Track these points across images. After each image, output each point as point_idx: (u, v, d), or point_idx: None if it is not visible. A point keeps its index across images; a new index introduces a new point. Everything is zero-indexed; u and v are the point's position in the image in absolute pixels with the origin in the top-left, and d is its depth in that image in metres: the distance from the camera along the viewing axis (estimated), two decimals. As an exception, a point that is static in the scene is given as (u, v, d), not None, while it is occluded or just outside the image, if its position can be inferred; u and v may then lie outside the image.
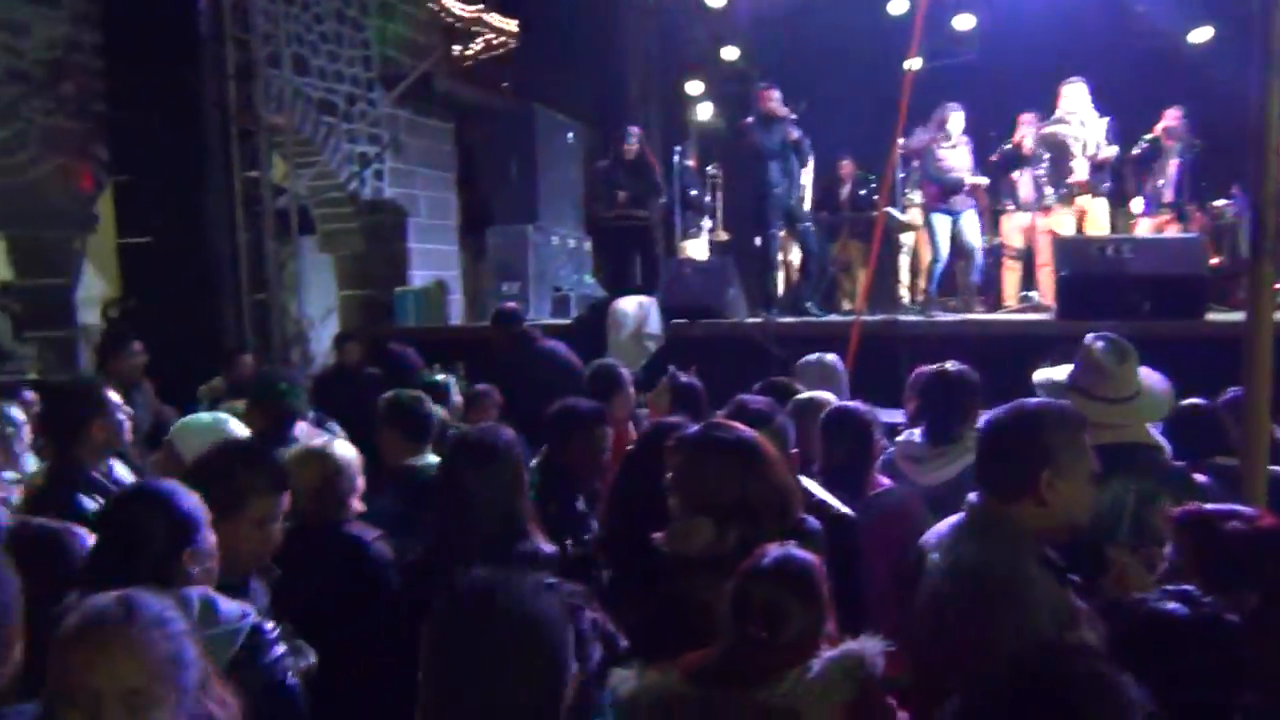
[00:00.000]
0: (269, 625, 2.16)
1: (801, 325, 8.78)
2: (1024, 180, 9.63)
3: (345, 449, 3.23)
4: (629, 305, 8.67)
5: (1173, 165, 9.58)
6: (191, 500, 2.24)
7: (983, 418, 2.65)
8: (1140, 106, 9.70)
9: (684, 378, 4.84)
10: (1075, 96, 8.96)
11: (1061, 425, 2.33)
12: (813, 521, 2.55)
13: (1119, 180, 9.65)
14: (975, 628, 2.19)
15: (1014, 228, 9.75)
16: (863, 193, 10.86)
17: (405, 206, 11.83)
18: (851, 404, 3.69)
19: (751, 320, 9.01)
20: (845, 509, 2.85)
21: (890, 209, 9.26)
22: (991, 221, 10.03)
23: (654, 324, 8.57)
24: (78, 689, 1.62)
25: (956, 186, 8.94)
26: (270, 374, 4.98)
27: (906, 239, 10.47)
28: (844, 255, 10.94)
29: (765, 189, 9.11)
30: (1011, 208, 9.78)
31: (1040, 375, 4.09)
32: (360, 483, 3.22)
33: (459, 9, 12.26)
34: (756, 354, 7.73)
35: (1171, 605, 1.84)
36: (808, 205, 10.05)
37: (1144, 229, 9.69)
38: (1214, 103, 8.55)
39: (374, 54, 11.67)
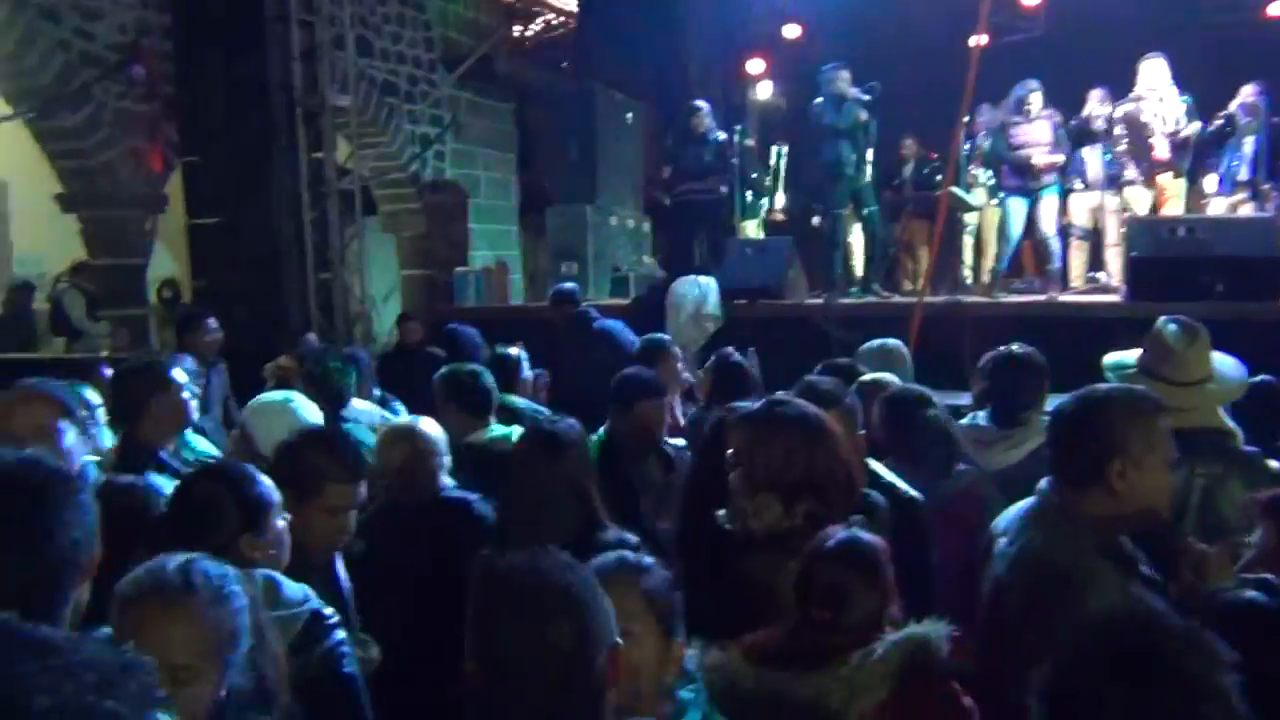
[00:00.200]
0: (329, 611, 2.17)
1: (863, 306, 8.70)
2: (1093, 158, 9.42)
3: (432, 426, 3.24)
4: (688, 286, 8.65)
5: (1248, 143, 9.29)
6: (264, 486, 2.25)
7: (1051, 402, 2.61)
8: (1214, 82, 9.41)
9: (735, 358, 4.81)
10: (1154, 72, 8.73)
11: (1133, 412, 2.26)
12: (877, 496, 2.53)
13: (1194, 159, 9.40)
14: (1033, 619, 2.16)
15: (1082, 207, 9.54)
16: (925, 172, 10.70)
17: (466, 187, 11.91)
18: (912, 386, 3.66)
19: (811, 301, 8.95)
20: (914, 492, 2.82)
21: (954, 188, 9.11)
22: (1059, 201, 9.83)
23: (713, 305, 8.54)
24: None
25: (1028, 166, 8.81)
26: (322, 354, 5.02)
27: (970, 219, 10.30)
28: (906, 235, 10.79)
29: (836, 169, 9.07)
30: (1080, 186, 9.57)
31: (1110, 358, 4.02)
32: (447, 460, 3.24)
33: (519, -10, 12.30)
34: (817, 335, 7.68)
35: (1251, 594, 1.80)
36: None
37: (1217, 208, 9.43)
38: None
39: (435, 35, 11.75)
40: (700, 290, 8.59)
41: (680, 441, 3.97)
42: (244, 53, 8.25)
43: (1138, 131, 8.80)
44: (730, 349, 5.04)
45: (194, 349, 6.22)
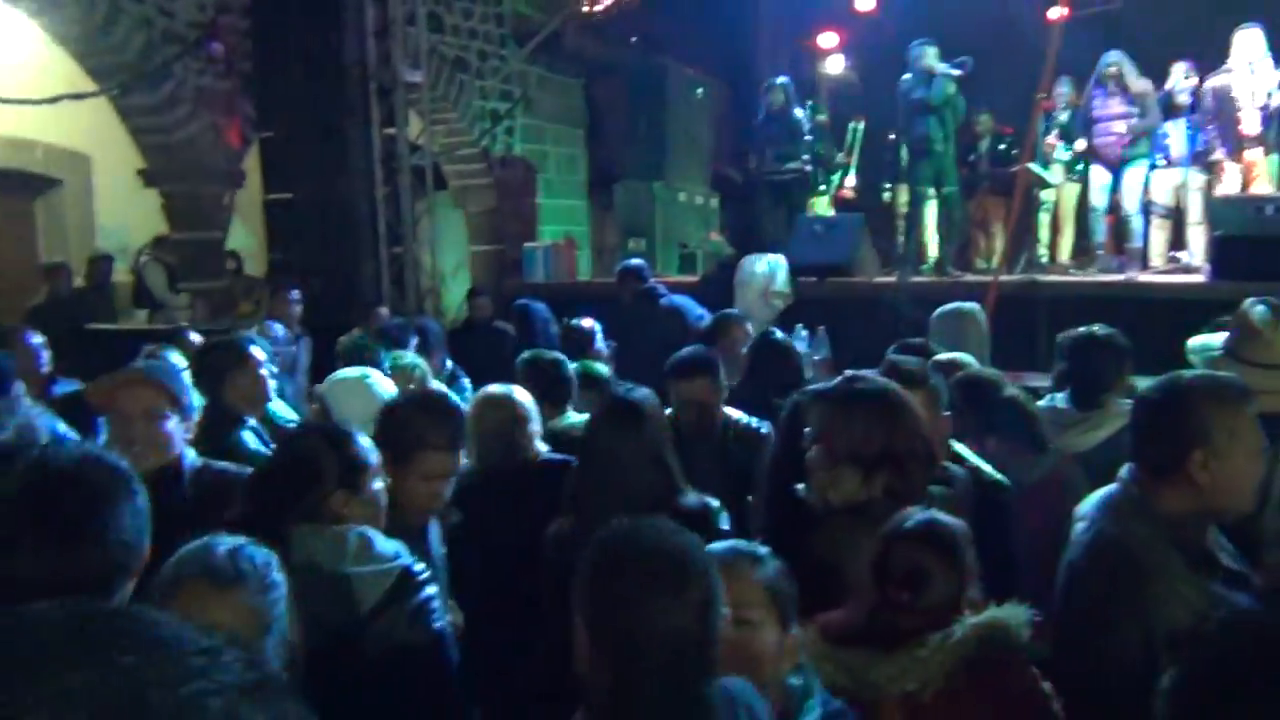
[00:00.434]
0: (420, 567, 2.19)
1: (935, 284, 8.58)
2: (1176, 133, 9.15)
3: (524, 395, 3.28)
4: (757, 263, 8.61)
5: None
6: (363, 446, 2.28)
7: (1133, 385, 2.56)
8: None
9: (775, 336, 4.77)
10: (1249, 43, 8.44)
11: (1217, 401, 2.18)
12: (958, 469, 2.51)
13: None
14: (1100, 608, 2.13)
15: (1164, 184, 9.28)
16: (1001, 148, 10.49)
17: (535, 162, 11.95)
18: (984, 370, 3.62)
19: (882, 279, 8.85)
20: (999, 475, 2.79)
21: (1031, 164, 8.93)
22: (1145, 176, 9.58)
23: (782, 282, 8.49)
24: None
25: (1109, 140, 8.63)
26: (358, 338, 5.11)
27: (1047, 196, 10.09)
28: (980, 213, 10.61)
29: (924, 146, 9.00)
30: (1162, 162, 9.31)
31: (1194, 341, 3.92)
32: (538, 427, 3.27)
33: (590, -36, 12.25)
34: (887, 313, 7.60)
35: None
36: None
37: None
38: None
39: (505, 10, 11.77)
40: (769, 267, 8.55)
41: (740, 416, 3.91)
42: (319, 30, 8.34)
43: (1226, 105, 8.53)
44: (774, 329, 5.00)
45: (280, 317, 6.39)
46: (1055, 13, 6.88)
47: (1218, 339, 3.44)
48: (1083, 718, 2.12)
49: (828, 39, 12.83)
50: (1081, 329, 3.85)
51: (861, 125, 11.61)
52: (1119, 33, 9.47)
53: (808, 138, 10.17)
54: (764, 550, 1.92)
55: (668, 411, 3.60)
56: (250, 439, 3.47)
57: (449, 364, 5.66)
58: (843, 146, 11.53)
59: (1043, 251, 10.02)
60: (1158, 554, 2.12)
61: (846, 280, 8.68)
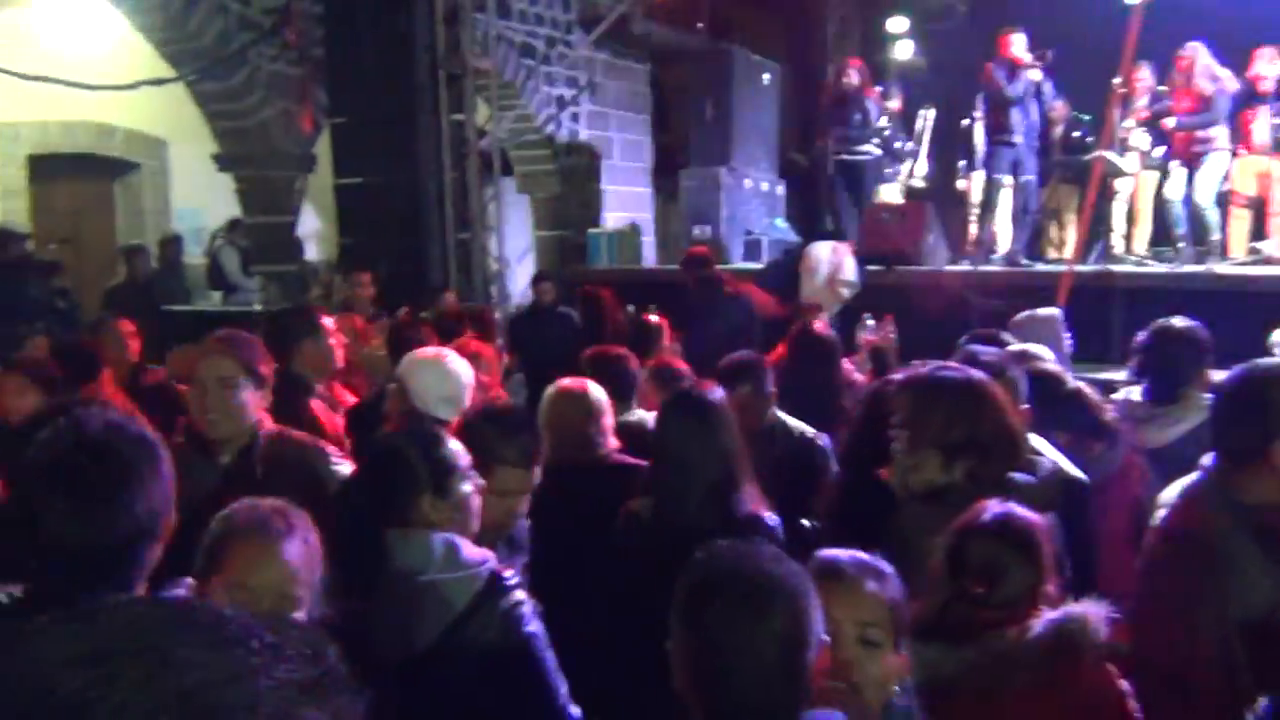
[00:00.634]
0: (508, 573, 2.19)
1: (1005, 274, 8.44)
2: (1259, 121, 8.87)
3: (598, 389, 3.28)
4: (824, 250, 8.54)
5: None
6: (450, 450, 2.27)
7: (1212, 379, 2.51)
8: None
9: (814, 328, 4.70)
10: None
11: None
12: (1048, 461, 2.50)
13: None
14: (1179, 598, 2.11)
15: (1247, 173, 9.01)
16: (1075, 135, 10.25)
17: (600, 149, 11.97)
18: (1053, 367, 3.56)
19: (951, 268, 8.73)
20: (1077, 471, 2.76)
21: (1107, 153, 8.73)
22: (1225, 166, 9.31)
23: (849, 270, 8.41)
24: (239, 585, 1.85)
25: (1185, 130, 8.41)
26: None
27: (1123, 185, 9.85)
28: (1052, 202, 10.39)
29: (1003, 136, 8.90)
30: (1244, 151, 9.04)
31: (1278, 334, 3.82)
32: (610, 421, 3.28)
33: (656, -51, 12.19)
34: (956, 303, 7.50)
35: None
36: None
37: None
38: None
39: (573, -4, 11.79)
40: (836, 255, 8.47)
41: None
42: (390, 17, 8.43)
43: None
44: (812, 322, 4.95)
45: (353, 301, 6.51)
46: (1135, -4, 6.68)
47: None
48: (1161, 710, 2.09)
49: (897, 23, 12.65)
50: (1160, 321, 3.77)
51: (932, 112, 11.43)
52: (1201, 17, 9.20)
53: (881, 123, 10.05)
54: (888, 567, 1.87)
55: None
56: (317, 408, 3.53)
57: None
58: (912, 134, 11.37)
59: (1118, 242, 9.80)
60: (1237, 544, 2.12)
61: (914, 269, 8.57)
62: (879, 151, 10.12)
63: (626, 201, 12.29)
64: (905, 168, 11.29)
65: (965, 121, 10.27)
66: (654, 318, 5.58)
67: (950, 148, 11.14)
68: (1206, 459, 2.31)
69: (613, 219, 11.80)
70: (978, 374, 2.55)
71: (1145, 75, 9.25)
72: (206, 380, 2.80)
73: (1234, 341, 3.82)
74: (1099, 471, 3.07)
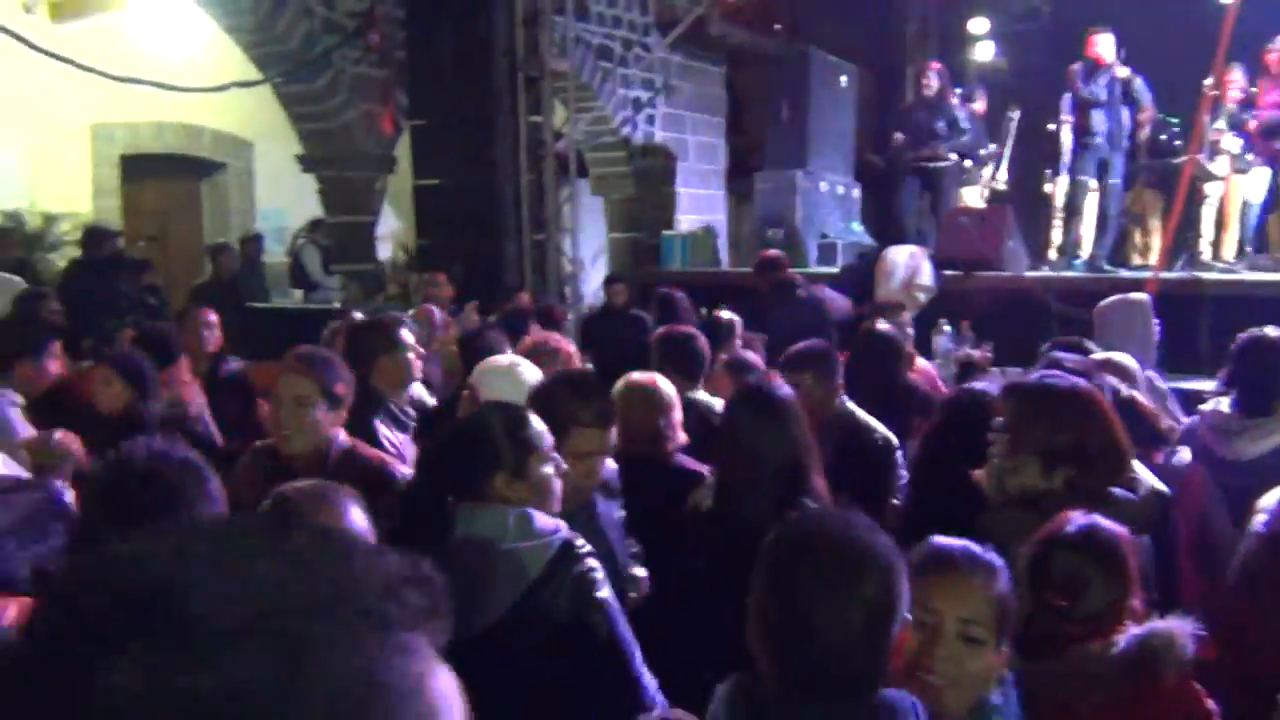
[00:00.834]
0: (580, 541, 2.20)
1: (1087, 280, 8.25)
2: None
3: (667, 384, 3.30)
4: (900, 255, 8.45)
5: None
6: (533, 430, 2.29)
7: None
8: None
9: (878, 331, 4.64)
10: None
11: None
12: (1146, 480, 2.46)
13: None
14: (1273, 607, 2.05)
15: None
16: (1162, 138, 9.98)
17: (675, 151, 11.98)
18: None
19: (1031, 274, 8.56)
20: (1160, 484, 2.70)
21: (1198, 156, 8.49)
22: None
23: (926, 275, 8.31)
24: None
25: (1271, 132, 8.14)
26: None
27: (1212, 189, 9.56)
28: (1137, 206, 10.12)
29: (1087, 138, 8.73)
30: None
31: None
32: (680, 415, 3.29)
33: (734, -49, 12.16)
34: (1037, 309, 7.36)
35: None
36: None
37: None
38: None
39: (650, -1, 11.81)
40: (913, 259, 8.37)
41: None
42: (470, 20, 8.53)
43: None
44: (883, 325, 4.89)
45: (432, 300, 6.62)
46: (1229, -6, 6.48)
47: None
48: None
49: (978, 24, 12.46)
50: (1252, 331, 3.67)
51: (1018, 113, 11.22)
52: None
53: (963, 126, 9.90)
54: (999, 560, 1.84)
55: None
56: (381, 426, 3.58)
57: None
58: (997, 136, 11.16)
59: (1205, 249, 9.52)
60: None
61: (994, 274, 8.43)
62: (955, 157, 9.95)
63: (700, 204, 12.28)
64: (987, 171, 11.10)
65: (1051, 126, 10.06)
66: (726, 314, 5.57)
67: (1034, 150, 10.92)
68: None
69: (686, 221, 11.80)
70: (1085, 384, 2.54)
71: (1237, 76, 8.97)
72: (284, 398, 2.92)
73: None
74: (1164, 483, 3.00)
